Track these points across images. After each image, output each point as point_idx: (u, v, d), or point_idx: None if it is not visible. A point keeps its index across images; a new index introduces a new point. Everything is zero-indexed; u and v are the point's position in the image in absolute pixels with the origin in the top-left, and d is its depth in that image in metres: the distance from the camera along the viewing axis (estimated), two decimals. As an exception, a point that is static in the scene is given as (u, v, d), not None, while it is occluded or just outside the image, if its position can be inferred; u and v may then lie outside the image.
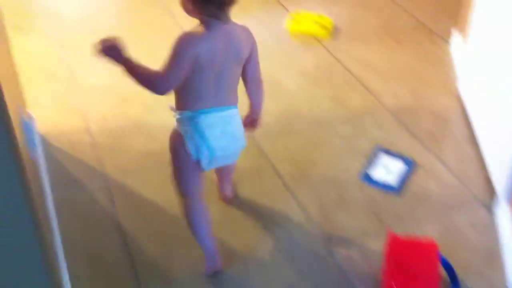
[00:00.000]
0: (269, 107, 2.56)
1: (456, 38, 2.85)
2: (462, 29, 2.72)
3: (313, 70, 2.80)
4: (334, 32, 3.06)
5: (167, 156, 1.72)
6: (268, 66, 2.84)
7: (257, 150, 2.30)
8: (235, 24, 1.66)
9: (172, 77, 1.58)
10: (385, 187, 2.12)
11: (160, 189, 2.09)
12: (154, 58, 1.66)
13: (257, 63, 1.76)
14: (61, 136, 2.39)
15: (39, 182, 1.85)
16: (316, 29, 3.03)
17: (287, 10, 3.26)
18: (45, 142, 2.35)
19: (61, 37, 3.06)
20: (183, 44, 1.57)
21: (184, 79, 1.61)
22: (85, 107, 2.55)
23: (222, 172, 2.00)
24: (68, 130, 2.42)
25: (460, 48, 2.75)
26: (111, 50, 1.60)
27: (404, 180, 2.15)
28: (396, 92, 2.62)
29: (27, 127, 1.69)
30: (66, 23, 3.20)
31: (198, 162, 1.70)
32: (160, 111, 2.43)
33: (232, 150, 1.75)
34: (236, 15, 1.69)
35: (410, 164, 2.21)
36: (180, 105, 1.68)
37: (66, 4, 3.41)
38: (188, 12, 1.61)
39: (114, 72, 1.71)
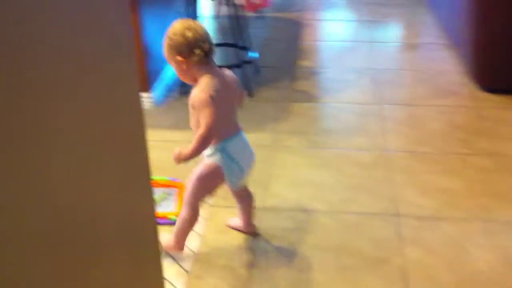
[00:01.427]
0: None
1: None
2: None
3: None
4: None
5: None
6: None
7: None
8: (219, 67, 2.13)
9: (215, 122, 1.97)
10: None
11: None
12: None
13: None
14: None
15: None
16: None
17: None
18: None
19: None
20: (207, 97, 1.97)
21: None
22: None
23: (245, 204, 2.32)
24: None
25: None
26: (182, 158, 2.04)
27: None
28: None
29: None
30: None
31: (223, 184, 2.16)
32: None
33: (252, 162, 2.22)
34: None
35: None
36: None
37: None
38: (184, 74, 2.06)
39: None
